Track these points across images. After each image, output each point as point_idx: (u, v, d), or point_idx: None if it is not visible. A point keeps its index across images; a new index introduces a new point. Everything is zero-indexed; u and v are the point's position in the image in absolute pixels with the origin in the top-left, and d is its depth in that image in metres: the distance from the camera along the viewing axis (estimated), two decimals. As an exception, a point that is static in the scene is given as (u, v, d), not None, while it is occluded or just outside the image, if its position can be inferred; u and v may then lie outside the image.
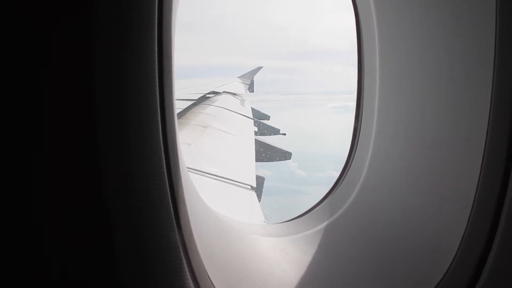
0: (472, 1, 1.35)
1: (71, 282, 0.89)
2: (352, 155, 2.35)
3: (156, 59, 0.93)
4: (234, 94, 16.87)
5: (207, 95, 13.21)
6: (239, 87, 21.46)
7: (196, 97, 11.53)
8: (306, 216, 2.33)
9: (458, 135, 1.46)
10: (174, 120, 1.08)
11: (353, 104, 2.41)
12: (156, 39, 0.93)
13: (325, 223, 2.09)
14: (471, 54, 1.37)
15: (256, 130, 10.76)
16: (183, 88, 13.99)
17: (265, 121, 13.90)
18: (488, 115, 1.20)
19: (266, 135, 12.16)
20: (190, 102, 10.41)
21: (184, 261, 0.99)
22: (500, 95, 1.17)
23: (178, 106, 8.82)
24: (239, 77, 30.09)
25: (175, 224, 0.97)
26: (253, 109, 14.38)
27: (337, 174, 2.44)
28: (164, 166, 0.96)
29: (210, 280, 1.18)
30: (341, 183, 2.35)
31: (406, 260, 1.58)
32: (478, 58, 1.30)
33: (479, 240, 1.21)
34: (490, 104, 1.19)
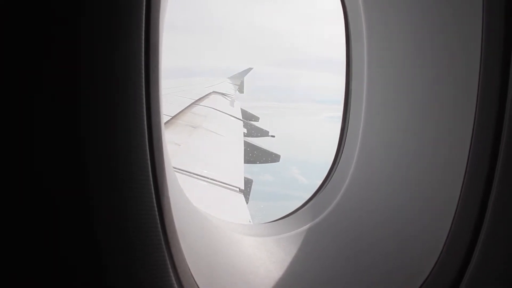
0: (460, 11, 1.38)
1: (53, 281, 0.89)
2: (338, 158, 2.37)
3: (143, 55, 0.93)
4: (224, 94, 16.83)
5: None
6: (229, 87, 21.44)
7: (189, 102, 11.23)
8: (291, 216, 2.34)
9: (443, 138, 1.49)
10: (160, 117, 1.08)
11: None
12: (143, 35, 0.93)
13: (310, 224, 2.10)
14: (458, 61, 1.40)
15: (245, 132, 10.74)
16: (172, 87, 13.88)
17: (254, 123, 13.89)
18: (474, 118, 1.22)
19: (255, 137, 12.14)
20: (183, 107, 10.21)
21: (168, 260, 0.99)
22: (484, 99, 1.20)
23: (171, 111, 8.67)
24: (229, 77, 30.06)
25: (159, 222, 0.97)
26: (242, 110, 14.37)
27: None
28: (149, 164, 0.95)
29: (194, 279, 1.18)
30: (327, 184, 2.37)
31: (391, 261, 1.60)
32: (464, 65, 1.33)
33: (463, 242, 1.23)
34: (476, 107, 1.22)
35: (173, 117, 7.90)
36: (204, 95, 13.70)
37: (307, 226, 2.09)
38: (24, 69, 0.84)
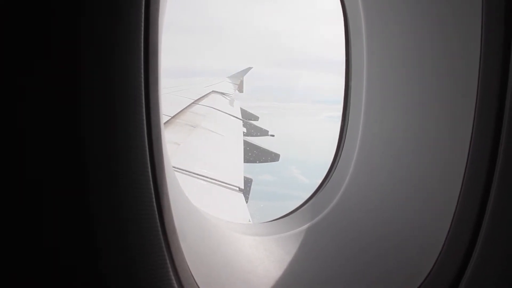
0: (459, 10, 1.38)
1: (53, 281, 0.89)
2: (338, 157, 2.38)
3: (143, 55, 0.93)
4: (224, 93, 16.83)
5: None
6: (229, 87, 21.45)
7: (188, 102, 11.22)
8: (291, 216, 2.34)
9: (443, 138, 1.49)
10: (159, 117, 1.08)
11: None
12: (143, 35, 0.93)
13: (310, 223, 2.10)
14: (458, 61, 1.40)
15: (245, 131, 10.73)
16: (172, 87, 13.87)
17: (254, 122, 13.88)
18: (473, 117, 1.23)
19: (255, 136, 12.13)
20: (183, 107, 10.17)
21: (167, 260, 0.99)
22: (484, 99, 1.20)
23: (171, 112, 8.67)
24: (229, 77, 30.08)
25: (158, 222, 0.97)
26: (242, 109, 14.37)
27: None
28: (149, 164, 0.96)
29: (193, 278, 1.18)
30: (327, 184, 2.37)
31: (390, 261, 1.60)
32: (464, 65, 1.33)
33: (463, 242, 1.23)
34: (475, 107, 1.22)
35: (172, 117, 7.89)
36: (203, 94, 13.68)
37: (307, 225, 2.09)
38: (25, 69, 0.84)
